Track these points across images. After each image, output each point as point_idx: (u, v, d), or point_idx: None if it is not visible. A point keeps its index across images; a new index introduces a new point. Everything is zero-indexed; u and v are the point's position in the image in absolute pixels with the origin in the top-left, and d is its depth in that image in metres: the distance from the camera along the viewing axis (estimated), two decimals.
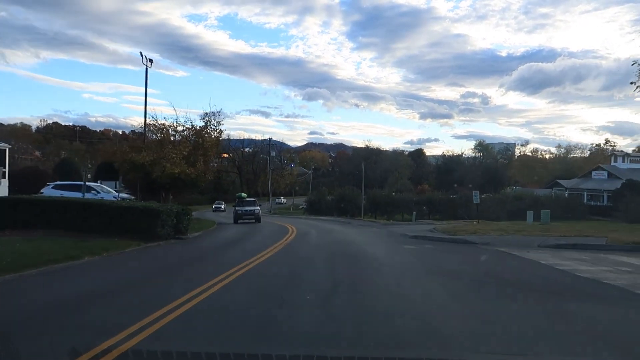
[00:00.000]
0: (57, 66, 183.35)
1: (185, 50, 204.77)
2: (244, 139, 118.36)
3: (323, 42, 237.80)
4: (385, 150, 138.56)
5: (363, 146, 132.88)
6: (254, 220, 40.28)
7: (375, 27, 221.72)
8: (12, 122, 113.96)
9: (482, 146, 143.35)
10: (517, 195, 64.86)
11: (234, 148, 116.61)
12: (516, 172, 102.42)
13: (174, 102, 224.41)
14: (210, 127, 35.64)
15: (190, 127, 35.56)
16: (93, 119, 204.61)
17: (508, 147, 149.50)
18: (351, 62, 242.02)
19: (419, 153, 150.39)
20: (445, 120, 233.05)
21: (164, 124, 35.02)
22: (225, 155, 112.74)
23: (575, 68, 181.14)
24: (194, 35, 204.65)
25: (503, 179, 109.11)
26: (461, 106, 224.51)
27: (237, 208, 41.93)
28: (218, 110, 40.88)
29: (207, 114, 35.25)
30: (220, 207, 74.82)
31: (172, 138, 35.32)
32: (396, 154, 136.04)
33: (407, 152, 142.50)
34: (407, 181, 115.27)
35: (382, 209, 64.66)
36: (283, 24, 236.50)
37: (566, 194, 62.51)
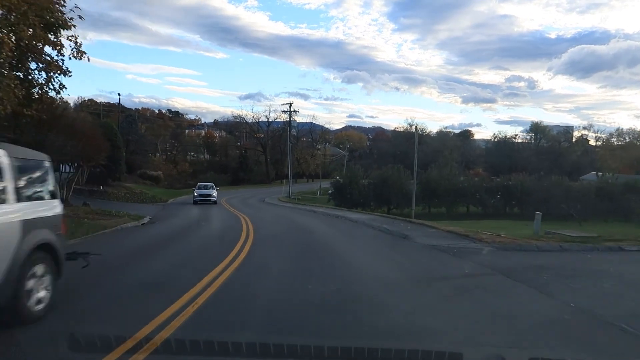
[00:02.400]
0: (102, 47, 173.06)
1: (225, 32, 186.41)
2: (279, 121, 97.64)
3: (363, 24, 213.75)
4: (430, 132, 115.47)
5: (406, 124, 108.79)
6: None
7: (417, 7, 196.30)
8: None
9: (539, 128, 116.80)
10: (629, 184, 41.34)
11: (259, 125, 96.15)
12: (607, 156, 77.28)
13: (215, 84, 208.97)
14: None
15: None
16: (137, 100, 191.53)
17: (567, 130, 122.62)
18: (392, 44, 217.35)
19: (466, 135, 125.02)
20: (488, 104, 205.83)
21: None
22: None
23: (631, 51, 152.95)
24: (234, 16, 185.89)
25: (566, 165, 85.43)
26: (505, 90, 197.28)
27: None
28: None
29: None
30: (207, 197, 37.63)
31: None
32: (442, 134, 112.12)
33: (452, 134, 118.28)
34: (455, 165, 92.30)
35: (440, 198, 42.25)
36: (323, 5, 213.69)
37: None
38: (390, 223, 20.65)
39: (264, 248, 12.89)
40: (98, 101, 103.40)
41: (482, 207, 43.42)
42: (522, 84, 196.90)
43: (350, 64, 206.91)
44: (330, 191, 68.39)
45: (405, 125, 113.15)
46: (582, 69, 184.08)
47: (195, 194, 37.50)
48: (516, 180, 43.96)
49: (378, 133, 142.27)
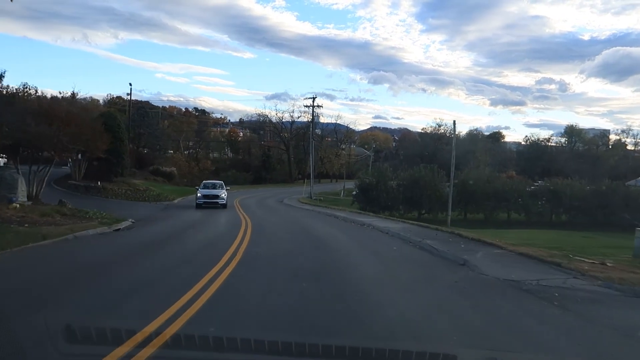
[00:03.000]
0: (132, 46, 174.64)
1: (253, 32, 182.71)
2: (303, 121, 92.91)
3: (391, 24, 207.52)
4: (459, 133, 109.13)
5: (434, 125, 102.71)
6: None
7: (446, 8, 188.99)
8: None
9: (574, 131, 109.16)
10: None
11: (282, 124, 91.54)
12: None
13: (242, 83, 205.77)
14: None
15: None
16: (165, 98, 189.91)
17: (604, 134, 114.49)
18: (419, 45, 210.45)
19: (496, 137, 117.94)
20: (517, 107, 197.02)
21: None
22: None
23: None
24: (262, 16, 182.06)
25: (604, 169, 79.00)
26: (535, 93, 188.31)
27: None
28: None
29: None
30: (214, 199, 29.09)
31: None
32: (472, 135, 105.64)
33: (482, 136, 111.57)
34: (486, 167, 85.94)
35: (478, 202, 36.77)
36: (351, 5, 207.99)
37: None
38: (432, 236, 15.40)
39: (245, 290, 7.77)
40: (126, 98, 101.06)
41: (526, 213, 37.70)
42: (553, 86, 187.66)
43: (377, 64, 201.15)
44: (354, 192, 63.17)
45: (434, 125, 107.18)
46: (617, 71, 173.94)
47: (199, 194, 28.70)
48: (564, 184, 38.04)
49: (404, 134, 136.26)
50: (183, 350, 4.60)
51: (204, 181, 33.71)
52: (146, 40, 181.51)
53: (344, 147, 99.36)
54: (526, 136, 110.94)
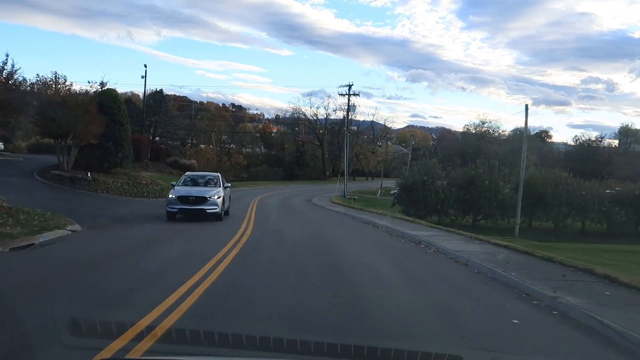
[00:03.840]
0: (174, 43, 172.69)
1: (291, 29, 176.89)
2: (337, 118, 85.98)
3: (430, 21, 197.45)
4: (503, 132, 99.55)
5: (477, 123, 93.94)
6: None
7: (488, 5, 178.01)
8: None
9: (629, 132, 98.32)
10: None
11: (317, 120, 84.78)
12: None
13: (279, 80, 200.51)
14: None
15: None
16: (204, 95, 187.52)
17: None
18: (459, 43, 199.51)
19: (541, 136, 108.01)
20: (561, 107, 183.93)
21: None
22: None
23: None
24: (300, 14, 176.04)
25: None
26: (581, 93, 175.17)
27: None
28: None
29: None
30: (199, 205, 16.15)
31: None
32: (518, 134, 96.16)
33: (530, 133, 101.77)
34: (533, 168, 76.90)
35: (547, 208, 29.04)
36: (390, 2, 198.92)
37: None
38: (557, 276, 8.23)
39: None
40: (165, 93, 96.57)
41: (607, 223, 29.71)
42: (599, 86, 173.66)
43: (415, 62, 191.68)
44: (394, 192, 55.66)
45: (477, 123, 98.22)
46: None
47: (171, 196, 16.48)
48: None
49: (444, 132, 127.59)
50: None
51: (186, 173, 20.90)
52: (187, 37, 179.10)
53: (380, 144, 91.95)
54: (576, 136, 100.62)
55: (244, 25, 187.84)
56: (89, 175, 24.59)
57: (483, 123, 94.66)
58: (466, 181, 29.37)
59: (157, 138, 41.96)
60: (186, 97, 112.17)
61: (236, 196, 34.28)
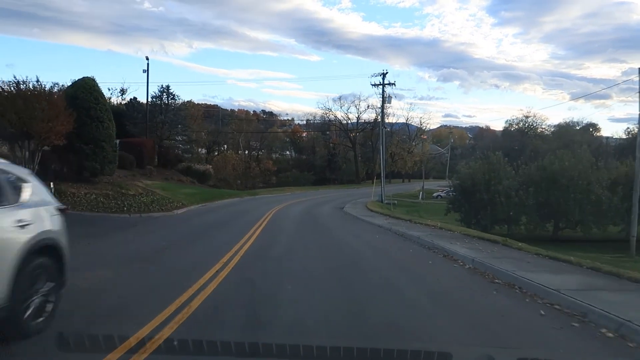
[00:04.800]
0: (205, 55, 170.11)
1: (319, 35, 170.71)
2: (369, 121, 78.49)
3: (460, 19, 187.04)
4: (547, 127, 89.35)
5: (521, 116, 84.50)
6: None
7: None
8: None
9: None
10: None
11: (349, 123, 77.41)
12: None
13: (309, 86, 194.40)
14: None
15: None
16: (236, 103, 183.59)
17: None
18: (491, 40, 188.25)
19: (587, 129, 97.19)
20: (601, 101, 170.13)
21: None
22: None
23: None
24: (328, 19, 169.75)
25: None
26: (622, 85, 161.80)
27: None
28: None
29: None
30: None
31: None
32: (564, 129, 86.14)
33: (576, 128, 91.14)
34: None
35: None
36: (418, 2, 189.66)
37: None
38: None
39: None
40: (196, 102, 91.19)
41: None
42: None
43: (446, 62, 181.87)
44: (437, 194, 47.83)
45: (520, 118, 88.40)
46: None
47: None
48: None
49: (482, 130, 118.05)
50: None
51: None
52: (217, 48, 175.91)
53: (414, 143, 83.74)
54: (628, 128, 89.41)
55: (273, 33, 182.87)
56: (51, 186, 18.07)
57: (527, 117, 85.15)
58: (545, 179, 21.50)
59: (166, 141, 35.48)
60: (217, 105, 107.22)
61: (252, 206, 27.44)
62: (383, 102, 38.21)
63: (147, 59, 32.20)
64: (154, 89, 36.39)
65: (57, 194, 18.17)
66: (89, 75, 21.78)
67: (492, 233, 17.38)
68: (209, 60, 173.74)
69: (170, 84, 35.88)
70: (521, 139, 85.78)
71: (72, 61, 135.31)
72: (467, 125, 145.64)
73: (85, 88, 20.95)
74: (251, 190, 44.22)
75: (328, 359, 3.70)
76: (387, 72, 37.86)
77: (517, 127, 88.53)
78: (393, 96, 38.66)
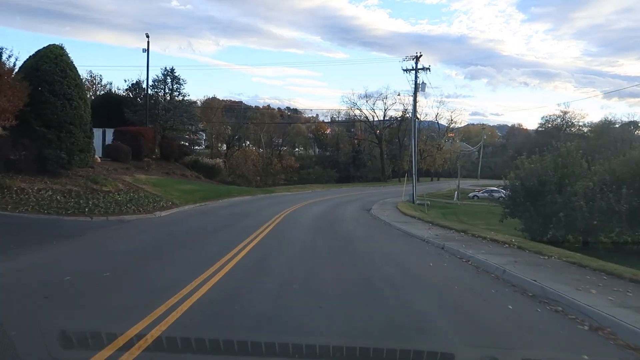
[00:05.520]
0: (231, 52, 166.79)
1: (344, 32, 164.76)
2: (394, 119, 72.66)
3: (489, 16, 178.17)
4: (585, 124, 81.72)
5: (558, 112, 77.64)
6: None
7: None
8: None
9: None
10: None
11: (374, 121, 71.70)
12: None
13: (334, 83, 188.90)
14: None
15: None
16: (262, 100, 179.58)
17: None
18: (520, 36, 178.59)
19: (628, 126, 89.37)
20: (636, 99, 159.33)
21: None
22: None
23: None
24: (353, 16, 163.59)
25: None
26: None
27: None
28: None
29: None
30: None
31: None
32: (605, 125, 78.48)
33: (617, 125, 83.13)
34: None
35: None
36: None
37: None
38: None
39: None
40: (220, 98, 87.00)
41: None
42: None
43: (474, 59, 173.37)
44: (473, 195, 42.22)
45: (557, 114, 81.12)
46: None
47: None
48: None
49: (512, 128, 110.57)
50: None
51: None
52: (244, 45, 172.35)
53: (444, 141, 77.48)
54: None
55: (298, 30, 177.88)
56: None
57: (565, 113, 77.97)
58: (633, 176, 15.83)
59: (170, 131, 30.60)
60: (241, 101, 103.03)
61: (260, 206, 22.33)
62: (415, 88, 32.64)
63: (148, 36, 27.48)
64: (159, 75, 31.25)
65: (6, 187, 13.62)
66: (58, 44, 16.94)
67: (564, 247, 12.02)
68: (235, 57, 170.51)
69: (174, 68, 30.78)
70: (558, 135, 78.76)
71: (102, 59, 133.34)
72: (495, 124, 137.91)
73: (50, 58, 16.22)
74: (268, 188, 39.45)
75: None
76: (421, 55, 32.32)
77: (553, 124, 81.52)
78: (427, 83, 32.78)
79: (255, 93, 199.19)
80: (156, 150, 27.62)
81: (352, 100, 79.46)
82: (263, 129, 72.52)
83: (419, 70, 32.73)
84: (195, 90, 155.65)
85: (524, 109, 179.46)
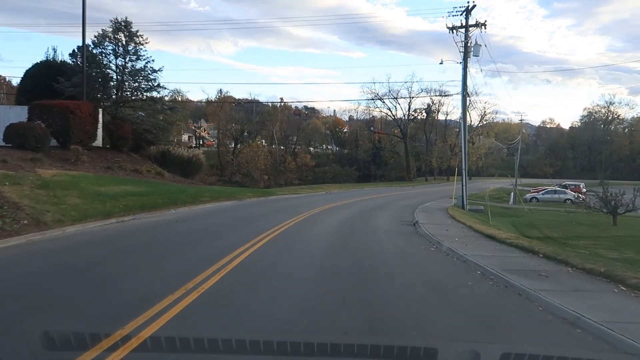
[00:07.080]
0: (250, 53, 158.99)
1: (362, 31, 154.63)
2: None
3: (510, 12, 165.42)
4: (620, 122, 70.06)
5: (603, 102, 65.97)
6: None
7: None
8: None
9: None
10: None
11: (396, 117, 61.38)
12: None
13: (352, 84, 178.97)
14: None
15: None
16: (279, 101, 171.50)
17: None
18: (542, 32, 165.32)
19: None
20: None
21: None
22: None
23: None
24: (371, 14, 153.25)
25: None
26: None
27: None
28: None
29: None
30: None
31: None
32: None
33: None
34: None
35: None
36: None
37: None
38: None
39: None
40: (237, 97, 78.25)
41: None
42: None
43: (495, 56, 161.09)
44: (531, 197, 31.96)
45: (603, 105, 69.45)
46: None
47: None
48: None
49: (541, 127, 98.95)
50: None
51: None
52: (261, 46, 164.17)
53: (478, 136, 66.91)
54: None
55: (316, 30, 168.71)
56: None
57: (610, 104, 66.24)
58: None
59: (124, 109, 20.57)
60: (257, 99, 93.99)
61: (241, 219, 12.53)
62: (466, 52, 22.53)
63: None
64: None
65: None
66: None
67: None
68: (253, 58, 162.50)
69: (131, 21, 20.96)
70: (595, 132, 67.15)
71: None
72: (516, 122, 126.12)
73: None
74: (268, 189, 30.01)
75: None
76: (474, 5, 22.20)
77: (594, 117, 70.00)
78: (483, 44, 22.40)
79: (273, 93, 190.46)
80: (98, 135, 18.25)
81: (374, 91, 68.41)
82: (275, 124, 63.31)
83: (470, 28, 22.67)
84: (211, 89, 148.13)
85: (545, 106, 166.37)
